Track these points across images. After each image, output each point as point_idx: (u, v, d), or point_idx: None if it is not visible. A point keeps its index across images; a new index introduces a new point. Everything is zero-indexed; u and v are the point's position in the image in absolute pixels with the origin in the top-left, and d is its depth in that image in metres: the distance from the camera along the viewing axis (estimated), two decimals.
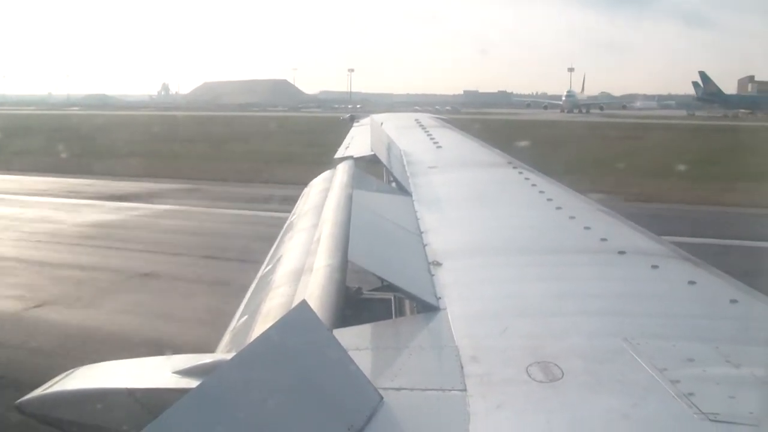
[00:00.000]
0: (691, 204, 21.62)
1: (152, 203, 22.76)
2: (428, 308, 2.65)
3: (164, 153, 38.38)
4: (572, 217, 4.01)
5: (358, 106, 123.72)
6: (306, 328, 2.03)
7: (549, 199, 4.53)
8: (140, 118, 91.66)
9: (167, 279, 13.81)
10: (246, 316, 3.20)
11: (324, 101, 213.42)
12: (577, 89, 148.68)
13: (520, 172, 5.68)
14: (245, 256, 14.78)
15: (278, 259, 4.03)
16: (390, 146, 6.98)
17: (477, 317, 2.61)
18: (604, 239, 3.52)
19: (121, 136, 49.53)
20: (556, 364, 2.07)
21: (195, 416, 1.58)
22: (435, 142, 7.83)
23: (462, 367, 2.11)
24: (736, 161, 32.50)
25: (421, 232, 3.82)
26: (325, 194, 5.23)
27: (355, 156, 6.61)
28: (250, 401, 1.71)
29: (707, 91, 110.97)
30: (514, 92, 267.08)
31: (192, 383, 1.87)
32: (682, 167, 27.98)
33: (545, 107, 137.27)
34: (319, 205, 4.90)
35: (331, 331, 2.25)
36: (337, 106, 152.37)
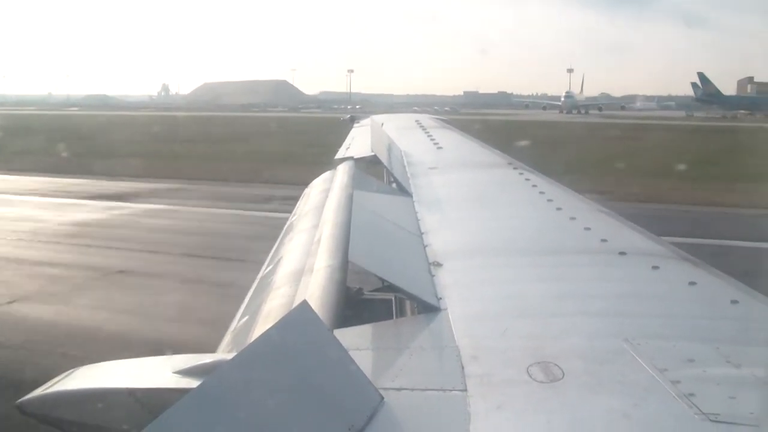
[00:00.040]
0: (673, 203, 21.74)
1: (139, 202, 23.14)
2: (429, 309, 2.66)
3: (158, 153, 38.44)
4: (573, 218, 4.01)
5: (357, 106, 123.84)
6: (307, 328, 2.03)
7: (549, 200, 4.53)
8: (138, 119, 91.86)
9: (141, 276, 14.13)
10: (247, 317, 3.20)
11: (324, 102, 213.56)
12: (576, 90, 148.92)
13: (521, 173, 5.68)
14: (223, 254, 15.56)
15: (279, 260, 4.03)
16: (390, 147, 6.98)
17: (478, 318, 2.61)
18: (604, 240, 3.52)
19: (116, 137, 49.75)
20: (556, 365, 2.07)
21: (195, 416, 1.58)
22: (435, 143, 7.83)
23: (463, 368, 2.11)
24: (726, 162, 32.64)
25: (422, 233, 3.82)
26: (325, 195, 5.23)
27: (355, 157, 6.61)
28: (250, 401, 1.71)
29: (706, 92, 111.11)
30: (515, 93, 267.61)
31: (192, 383, 1.87)
32: (670, 167, 28.21)
33: (544, 108, 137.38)
34: (320, 206, 4.90)
35: (332, 332, 2.25)
36: (336, 106, 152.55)
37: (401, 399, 1.94)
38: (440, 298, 2.74)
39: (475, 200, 5.02)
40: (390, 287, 2.97)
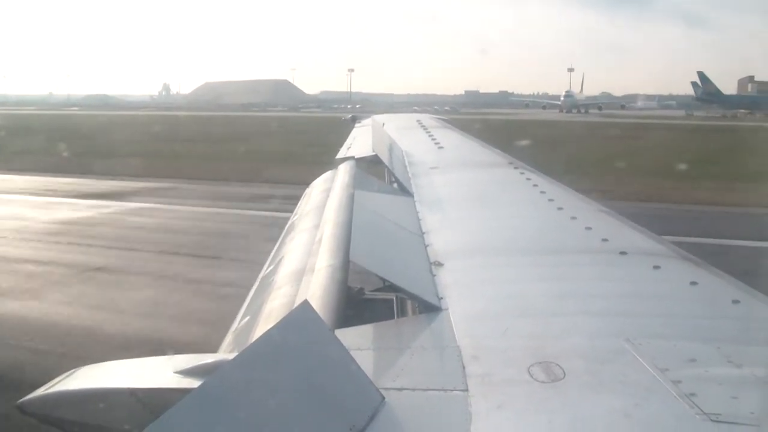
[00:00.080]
0: (662, 202, 21.76)
1: (129, 201, 23.40)
2: (430, 308, 2.66)
3: (153, 152, 38.53)
4: (574, 218, 4.01)
5: (357, 106, 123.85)
6: (308, 328, 2.03)
7: (550, 200, 4.53)
8: (137, 119, 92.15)
9: (117, 273, 14.40)
10: (248, 317, 3.20)
11: (324, 101, 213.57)
12: (576, 90, 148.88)
13: (522, 173, 5.68)
14: (200, 252, 15.93)
15: (280, 260, 4.03)
16: (391, 147, 6.99)
17: (479, 317, 2.61)
18: (605, 240, 3.52)
19: (113, 137, 50.06)
20: (557, 365, 2.07)
21: (197, 416, 1.58)
22: (436, 143, 7.84)
23: (464, 368, 2.11)
24: (718, 160, 32.73)
25: (423, 233, 3.82)
26: (326, 195, 5.23)
27: (356, 156, 6.61)
28: (251, 401, 1.71)
29: (706, 92, 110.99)
30: (515, 92, 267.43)
31: (194, 383, 1.87)
32: (661, 165, 28.40)
33: (544, 107, 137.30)
34: (321, 206, 4.90)
35: (333, 331, 2.25)
36: (336, 106, 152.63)
37: (402, 399, 1.94)
38: (441, 298, 2.74)
39: (476, 200, 5.02)
40: (391, 287, 2.97)
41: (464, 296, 2.83)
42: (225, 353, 2.70)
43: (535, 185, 5.10)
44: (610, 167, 28.06)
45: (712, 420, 1.77)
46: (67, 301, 12.40)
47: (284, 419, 1.72)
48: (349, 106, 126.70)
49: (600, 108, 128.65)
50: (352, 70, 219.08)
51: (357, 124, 11.06)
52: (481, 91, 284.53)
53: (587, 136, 53.75)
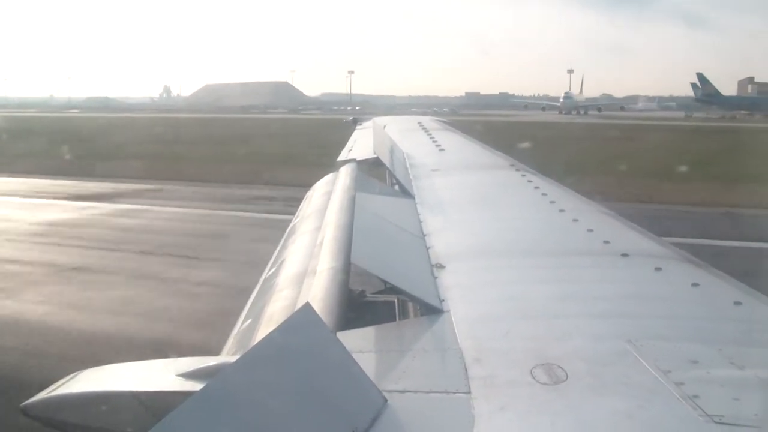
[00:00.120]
0: (650, 203, 21.74)
1: (117, 202, 23.71)
2: (432, 311, 2.66)
3: (148, 154, 38.57)
4: (575, 220, 4.02)
5: (357, 107, 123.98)
6: (310, 330, 2.03)
7: (552, 202, 4.53)
8: (136, 121, 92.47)
9: (95, 272, 14.61)
10: (250, 320, 3.20)
11: (325, 103, 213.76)
12: (576, 91, 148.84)
13: (523, 175, 5.68)
14: (180, 252, 16.18)
15: (281, 263, 4.03)
16: (393, 149, 6.99)
17: (481, 319, 2.61)
18: (607, 241, 3.52)
19: (110, 139, 50.44)
20: (560, 366, 2.07)
21: (199, 419, 1.58)
22: (438, 145, 7.85)
23: (466, 370, 2.11)
24: (714, 162, 32.74)
25: (424, 235, 3.82)
26: (327, 197, 5.23)
27: (357, 159, 6.61)
28: (254, 404, 1.71)
29: (705, 93, 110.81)
30: (516, 94, 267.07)
31: (196, 386, 1.87)
32: (654, 167, 28.50)
33: (543, 109, 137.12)
34: (322, 208, 4.90)
35: (335, 334, 2.25)
36: (336, 108, 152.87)
37: (404, 401, 1.94)
38: (443, 300, 2.74)
39: (477, 202, 5.02)
40: (393, 289, 2.97)
41: (466, 298, 2.82)
42: (227, 356, 2.71)
43: (536, 187, 5.10)
44: (598, 167, 28.24)
45: (714, 422, 1.76)
46: (41, 300, 12.66)
47: (286, 422, 1.72)
48: (348, 108, 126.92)
49: (599, 109, 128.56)
50: (352, 72, 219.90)
51: (358, 127, 11.08)
52: (482, 92, 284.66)
53: (579, 137, 53.81)
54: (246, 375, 1.78)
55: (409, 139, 8.37)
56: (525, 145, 27.52)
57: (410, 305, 3.08)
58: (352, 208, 4.06)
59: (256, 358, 1.87)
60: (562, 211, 4.28)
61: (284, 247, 4.58)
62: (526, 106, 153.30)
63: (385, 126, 9.97)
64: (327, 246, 3.64)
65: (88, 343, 10.32)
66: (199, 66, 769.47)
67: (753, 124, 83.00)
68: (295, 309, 2.60)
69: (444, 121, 12.36)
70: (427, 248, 3.53)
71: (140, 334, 10.69)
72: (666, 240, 4.01)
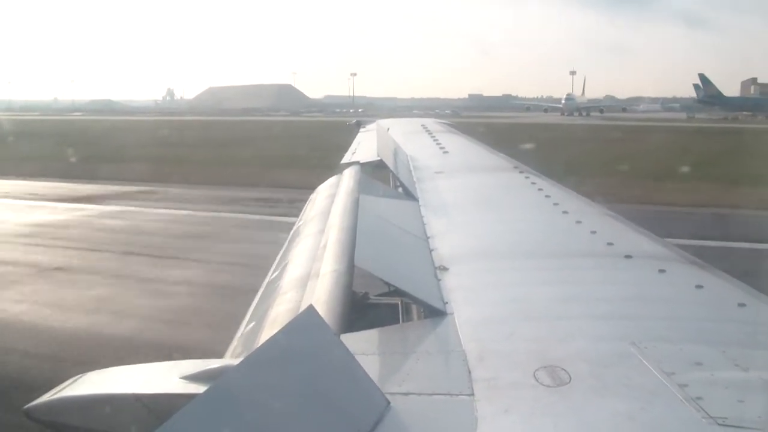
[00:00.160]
0: (639, 203, 21.60)
1: (107, 204, 24.04)
2: (435, 313, 2.65)
3: (146, 157, 38.62)
4: (579, 222, 4.01)
5: (359, 110, 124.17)
6: (313, 333, 2.03)
7: (555, 204, 4.53)
8: (139, 124, 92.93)
9: (74, 272, 14.95)
10: (253, 322, 3.20)
11: (328, 106, 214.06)
12: (578, 92, 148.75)
13: (527, 177, 5.68)
14: (161, 252, 16.52)
15: (285, 265, 4.03)
16: (396, 151, 6.99)
17: (484, 322, 2.61)
18: (610, 243, 3.51)
19: (109, 142, 50.96)
20: (563, 369, 2.06)
21: (202, 421, 1.58)
22: (441, 148, 7.85)
23: (469, 372, 2.11)
24: (710, 163, 32.75)
25: (428, 237, 3.82)
26: (331, 200, 5.24)
27: (361, 161, 6.62)
28: (257, 406, 1.71)
29: (707, 94, 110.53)
30: (519, 96, 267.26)
31: (199, 388, 1.88)
32: (648, 168, 28.59)
33: (545, 110, 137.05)
34: (326, 211, 4.90)
35: (338, 336, 2.25)
36: (338, 110, 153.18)
37: (408, 403, 1.94)
38: (446, 302, 2.74)
39: (481, 204, 5.02)
40: (396, 291, 2.98)
41: (469, 300, 2.82)
42: (230, 358, 2.71)
43: (539, 189, 5.09)
44: (595, 167, 28.36)
45: (718, 424, 1.76)
46: (18, 298, 12.97)
47: (290, 424, 1.72)
48: (351, 111, 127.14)
49: (601, 111, 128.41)
50: (354, 74, 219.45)
51: (362, 129, 11.09)
52: (485, 94, 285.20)
53: (578, 138, 53.95)
54: (249, 377, 1.78)
55: (412, 142, 8.38)
56: (524, 146, 27.63)
57: (414, 307, 3.08)
58: (355, 210, 4.07)
59: (259, 360, 1.87)
60: (565, 213, 4.27)
61: (288, 249, 4.58)
62: (528, 108, 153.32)
63: (388, 128, 9.97)
64: (330, 248, 3.64)
65: (60, 342, 10.59)
66: (202, 69, 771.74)
67: (755, 125, 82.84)
68: (299, 311, 2.60)
69: (447, 124, 12.36)
70: (431, 250, 3.53)
71: (110, 331, 11.04)
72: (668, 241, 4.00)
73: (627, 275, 3.15)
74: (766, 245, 14.94)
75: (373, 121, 11.87)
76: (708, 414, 1.79)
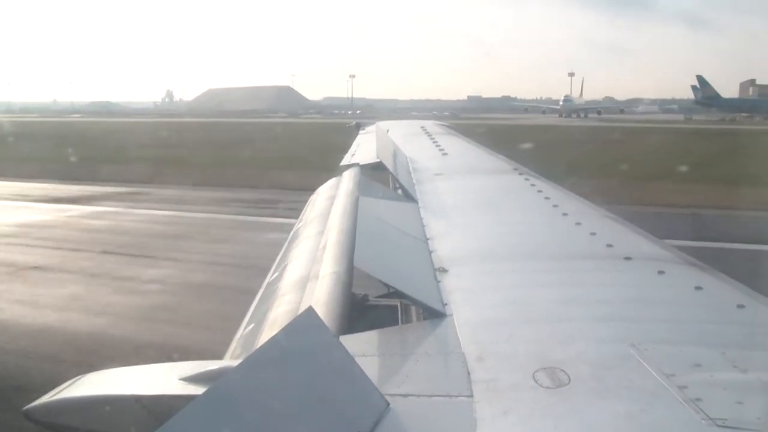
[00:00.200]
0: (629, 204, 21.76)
1: (92, 205, 24.17)
2: (434, 314, 2.65)
3: (140, 158, 38.65)
4: (578, 223, 4.01)
5: (358, 111, 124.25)
6: (312, 334, 2.03)
7: (555, 206, 4.53)
8: (137, 126, 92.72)
9: (52, 271, 15.10)
10: (253, 324, 3.20)
11: (327, 107, 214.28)
12: (576, 94, 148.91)
13: (526, 179, 5.68)
14: (140, 252, 16.67)
15: (285, 267, 4.03)
16: (396, 153, 6.99)
17: (483, 323, 2.61)
18: (610, 245, 3.51)
19: (107, 143, 50.97)
20: (562, 370, 2.06)
21: (202, 422, 1.58)
22: (441, 149, 7.85)
23: (469, 373, 2.11)
24: (701, 163, 32.85)
25: (427, 239, 3.82)
26: (331, 201, 5.24)
27: (361, 163, 6.62)
28: (256, 407, 1.71)
29: (705, 95, 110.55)
30: (518, 97, 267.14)
31: (199, 390, 1.88)
32: (643, 169, 28.73)
33: (543, 112, 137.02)
34: (325, 213, 4.91)
35: (338, 338, 2.25)
36: (337, 112, 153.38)
37: (407, 405, 1.94)
38: (446, 304, 2.74)
39: (480, 206, 5.02)
40: (395, 293, 2.98)
41: (469, 302, 2.82)
42: (230, 360, 2.71)
43: (539, 191, 5.10)
44: (591, 168, 28.40)
45: (718, 425, 1.76)
46: None
47: (289, 426, 1.72)
48: (350, 112, 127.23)
49: (599, 112, 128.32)
50: (353, 76, 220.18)
51: (361, 131, 11.11)
52: (484, 96, 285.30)
53: (574, 140, 53.88)
54: (249, 379, 1.78)
55: (412, 144, 8.38)
56: (522, 147, 27.69)
57: (413, 309, 3.08)
58: (355, 212, 4.07)
59: (258, 361, 1.87)
60: (565, 214, 4.27)
61: (287, 250, 4.58)
62: (526, 110, 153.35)
63: (388, 130, 9.98)
64: (330, 250, 3.65)
65: (30, 338, 10.74)
66: (201, 71, 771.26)
67: (752, 126, 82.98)
68: (298, 313, 2.60)
69: (446, 125, 12.37)
70: (430, 252, 3.53)
71: (80, 328, 11.19)
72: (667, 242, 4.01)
73: (626, 277, 3.15)
74: (764, 246, 14.99)
75: (373, 123, 11.88)
76: (707, 415, 1.79)
